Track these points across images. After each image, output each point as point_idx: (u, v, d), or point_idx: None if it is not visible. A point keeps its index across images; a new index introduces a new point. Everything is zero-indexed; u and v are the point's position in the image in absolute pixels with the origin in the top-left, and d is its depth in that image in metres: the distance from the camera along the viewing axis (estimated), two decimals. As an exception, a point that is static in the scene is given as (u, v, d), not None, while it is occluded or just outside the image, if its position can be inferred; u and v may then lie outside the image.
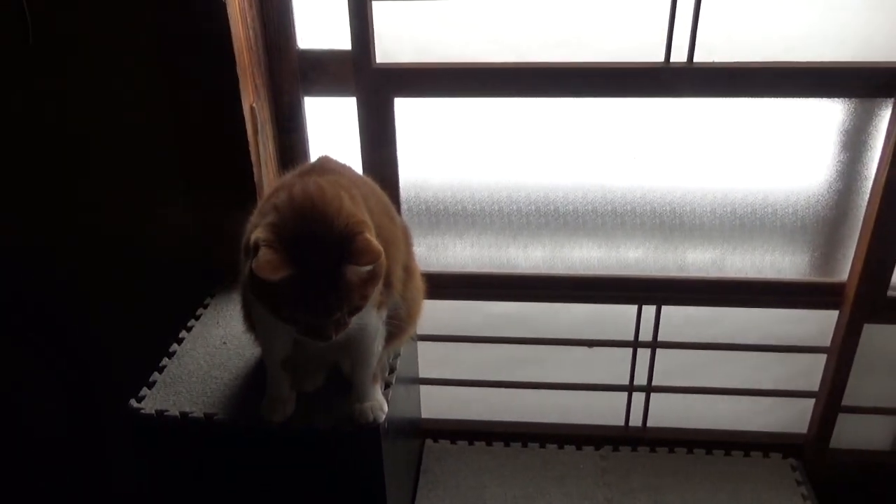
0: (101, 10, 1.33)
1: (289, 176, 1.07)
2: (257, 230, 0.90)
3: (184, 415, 1.15)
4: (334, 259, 0.90)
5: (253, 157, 1.42)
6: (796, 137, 1.47)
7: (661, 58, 1.38)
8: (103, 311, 1.62)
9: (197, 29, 1.31)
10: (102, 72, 1.39)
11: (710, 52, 1.37)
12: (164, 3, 1.30)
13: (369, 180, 1.15)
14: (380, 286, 0.99)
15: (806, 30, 1.35)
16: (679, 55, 1.38)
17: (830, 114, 1.44)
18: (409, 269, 1.17)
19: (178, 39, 1.33)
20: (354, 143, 1.49)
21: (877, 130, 1.44)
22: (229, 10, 1.30)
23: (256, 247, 0.88)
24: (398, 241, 1.12)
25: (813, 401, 1.71)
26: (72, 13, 1.34)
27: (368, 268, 0.92)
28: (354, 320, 0.98)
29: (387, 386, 1.21)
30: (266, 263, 0.87)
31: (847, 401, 1.66)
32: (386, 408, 1.14)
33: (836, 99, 1.42)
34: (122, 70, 1.38)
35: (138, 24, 1.33)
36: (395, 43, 1.42)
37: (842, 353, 1.59)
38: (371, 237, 0.91)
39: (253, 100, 1.41)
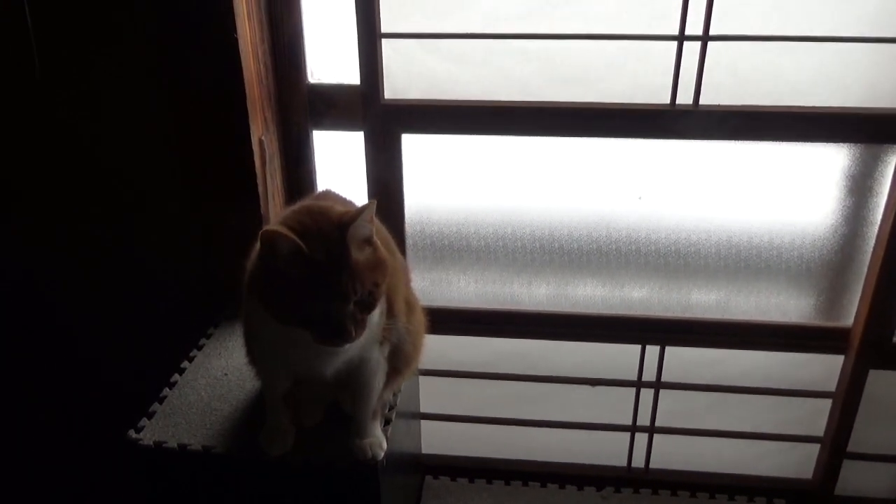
0: (112, 46, 1.36)
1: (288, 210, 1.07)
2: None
3: (182, 447, 1.14)
4: (337, 239, 0.91)
5: (260, 189, 1.43)
6: (802, 181, 1.47)
7: (667, 99, 1.39)
8: (105, 339, 1.62)
9: (208, 62, 1.33)
10: (111, 105, 1.41)
11: (717, 95, 1.39)
12: (176, 37, 1.32)
13: None
14: (384, 306, 1.01)
15: (812, 75, 1.36)
16: (685, 97, 1.39)
17: (836, 158, 1.45)
18: (409, 303, 1.17)
19: (190, 72, 1.35)
20: (361, 176, 1.50)
21: (882, 176, 1.44)
22: (241, 44, 1.32)
23: (264, 235, 0.88)
24: (398, 274, 1.12)
25: (818, 446, 1.69)
26: (80, 46, 1.36)
27: (370, 250, 0.94)
28: (359, 349, 0.99)
29: (387, 422, 1.20)
30: (277, 232, 0.87)
31: (853, 447, 1.64)
32: (385, 445, 1.13)
33: (841, 144, 1.43)
34: (132, 103, 1.40)
35: (149, 58, 1.35)
36: (403, 79, 1.44)
37: (847, 399, 1.58)
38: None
39: (262, 132, 1.42)
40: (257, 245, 0.94)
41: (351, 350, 0.98)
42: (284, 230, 0.89)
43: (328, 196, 1.11)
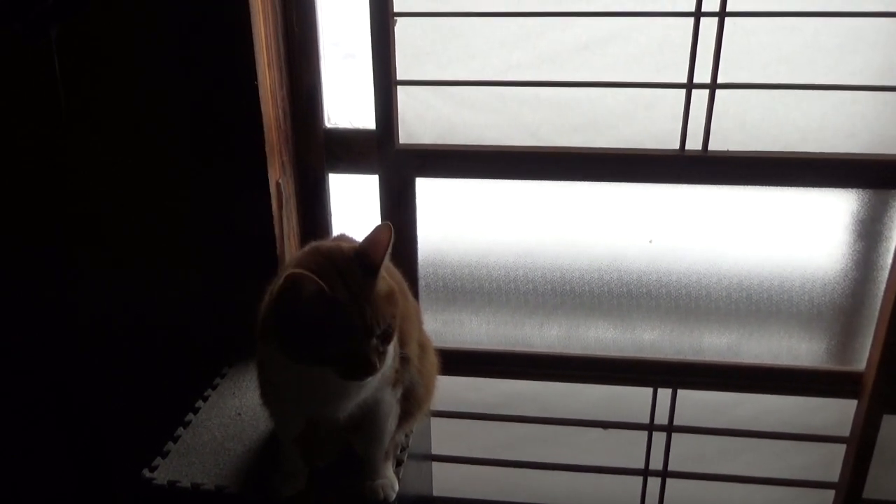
0: (136, 90, 1.40)
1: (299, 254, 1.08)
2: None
3: (195, 486, 1.15)
4: (355, 274, 0.93)
5: (276, 231, 1.45)
6: (811, 225, 1.48)
7: (676, 145, 1.42)
8: (122, 380, 1.64)
9: (229, 108, 1.37)
10: (132, 148, 1.45)
11: (725, 141, 1.41)
12: (198, 83, 1.37)
13: None
14: (396, 348, 1.02)
15: (819, 122, 1.38)
16: (694, 143, 1.41)
17: (845, 203, 1.46)
18: (422, 344, 1.18)
19: (210, 116, 1.39)
20: (376, 219, 1.53)
21: (891, 221, 1.46)
22: (261, 90, 1.36)
23: (288, 279, 0.88)
24: (412, 317, 1.13)
25: (833, 492, 1.67)
26: (104, 88, 1.41)
27: (383, 282, 0.95)
28: (372, 390, 1.00)
29: (398, 464, 1.21)
30: (301, 275, 0.88)
31: (868, 493, 1.62)
32: (397, 486, 1.13)
33: (850, 189, 1.44)
34: (152, 146, 1.44)
35: (171, 103, 1.39)
36: (418, 124, 1.47)
37: (861, 444, 1.57)
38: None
39: (279, 175, 1.45)
40: (273, 289, 0.95)
41: (368, 387, 1.00)
42: (307, 272, 0.89)
43: (343, 239, 1.14)
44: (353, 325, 0.91)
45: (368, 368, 0.93)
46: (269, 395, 1.13)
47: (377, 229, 0.96)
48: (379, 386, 1.03)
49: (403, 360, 1.08)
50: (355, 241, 1.12)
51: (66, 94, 1.38)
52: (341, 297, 0.90)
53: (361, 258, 0.95)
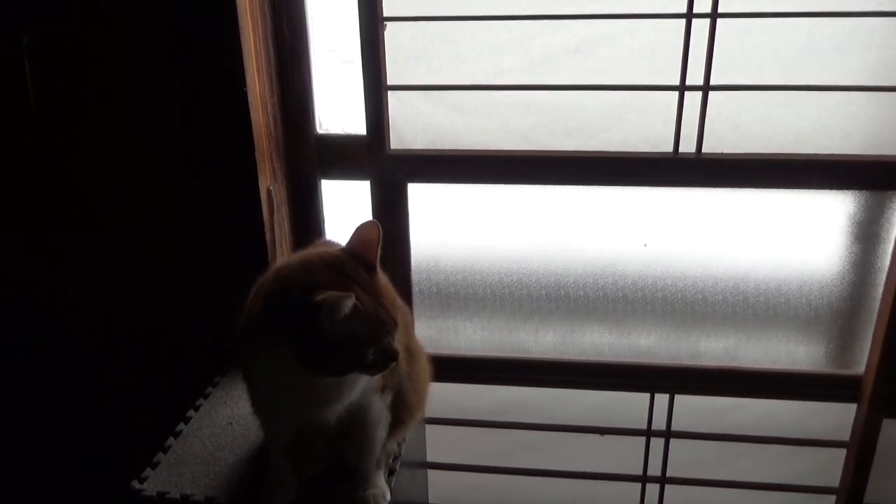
0: (122, 97, 1.39)
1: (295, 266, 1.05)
2: (311, 294, 0.89)
3: (185, 497, 1.14)
4: (363, 276, 0.94)
5: (268, 238, 1.44)
6: (808, 227, 1.47)
7: (669, 148, 1.41)
8: (111, 389, 1.63)
9: (218, 114, 1.37)
10: (119, 155, 1.44)
11: (719, 143, 1.40)
12: (187, 90, 1.36)
13: None
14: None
15: (813, 124, 1.37)
16: (688, 146, 1.40)
17: (841, 205, 1.45)
18: (411, 350, 1.17)
19: (201, 121, 1.38)
20: (368, 225, 1.52)
21: (889, 223, 1.44)
22: (250, 96, 1.35)
23: (325, 304, 0.87)
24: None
25: (833, 497, 1.65)
26: (87, 97, 1.40)
27: (385, 279, 0.99)
28: (358, 395, 1.01)
29: (391, 473, 1.19)
30: (337, 298, 0.87)
31: (869, 498, 1.60)
32: (388, 496, 1.12)
33: (846, 191, 1.43)
34: (142, 152, 1.43)
35: (159, 109, 1.38)
36: (409, 129, 1.46)
37: (861, 448, 1.55)
38: None
39: (270, 182, 1.44)
40: (272, 307, 0.94)
41: (358, 388, 1.00)
42: (340, 294, 0.87)
43: (328, 244, 1.12)
44: (384, 327, 0.94)
45: (394, 356, 0.96)
46: (259, 403, 1.12)
47: (364, 228, 0.97)
48: (365, 390, 1.02)
49: None
50: (339, 244, 1.09)
51: (38, 99, 1.38)
52: (367, 304, 0.92)
53: (359, 259, 0.96)
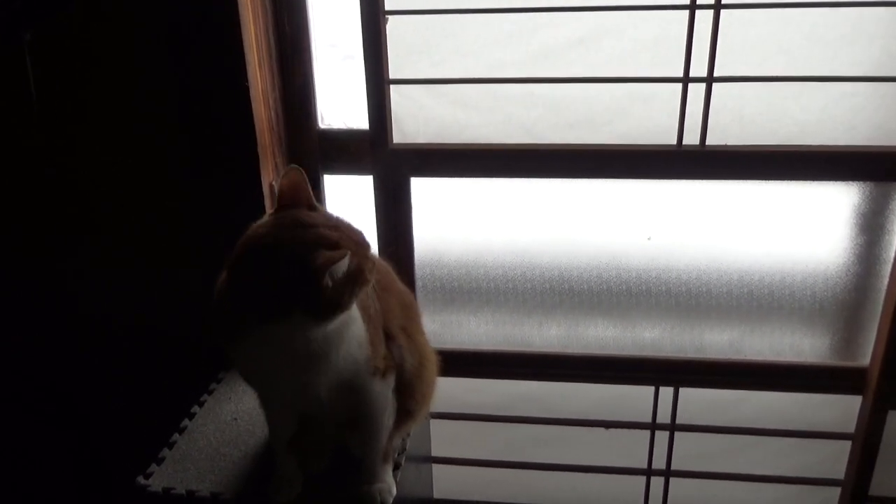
0: (124, 92, 1.39)
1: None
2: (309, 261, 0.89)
3: (190, 493, 1.14)
4: (310, 217, 0.95)
5: (271, 234, 1.44)
6: (812, 219, 1.47)
7: (673, 140, 1.40)
8: (111, 388, 1.63)
9: (220, 109, 1.36)
10: (120, 151, 1.44)
11: (723, 135, 1.39)
12: (188, 85, 1.36)
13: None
14: (364, 331, 1.01)
15: (817, 115, 1.36)
16: (692, 138, 1.40)
17: (846, 197, 1.44)
18: (419, 344, 1.16)
19: (203, 117, 1.38)
20: (371, 219, 1.51)
21: (894, 214, 1.44)
22: (252, 92, 1.35)
23: (326, 262, 0.88)
24: (393, 307, 1.12)
25: (839, 490, 1.65)
26: (88, 93, 1.40)
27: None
28: (350, 375, 1.01)
29: (396, 467, 1.19)
30: (331, 256, 0.89)
31: (874, 490, 1.60)
32: (394, 490, 1.12)
33: (851, 182, 1.43)
34: (143, 148, 1.43)
35: (160, 105, 1.38)
36: (412, 124, 1.45)
37: (867, 441, 1.55)
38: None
39: (273, 178, 1.44)
40: (269, 280, 0.93)
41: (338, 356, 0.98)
42: (337, 251, 0.90)
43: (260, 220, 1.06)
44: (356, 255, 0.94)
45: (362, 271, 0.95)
46: (252, 380, 1.08)
47: (286, 176, 0.98)
48: (357, 367, 1.00)
49: (389, 342, 1.07)
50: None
51: (40, 97, 1.38)
52: (344, 244, 0.92)
53: (299, 206, 0.97)
